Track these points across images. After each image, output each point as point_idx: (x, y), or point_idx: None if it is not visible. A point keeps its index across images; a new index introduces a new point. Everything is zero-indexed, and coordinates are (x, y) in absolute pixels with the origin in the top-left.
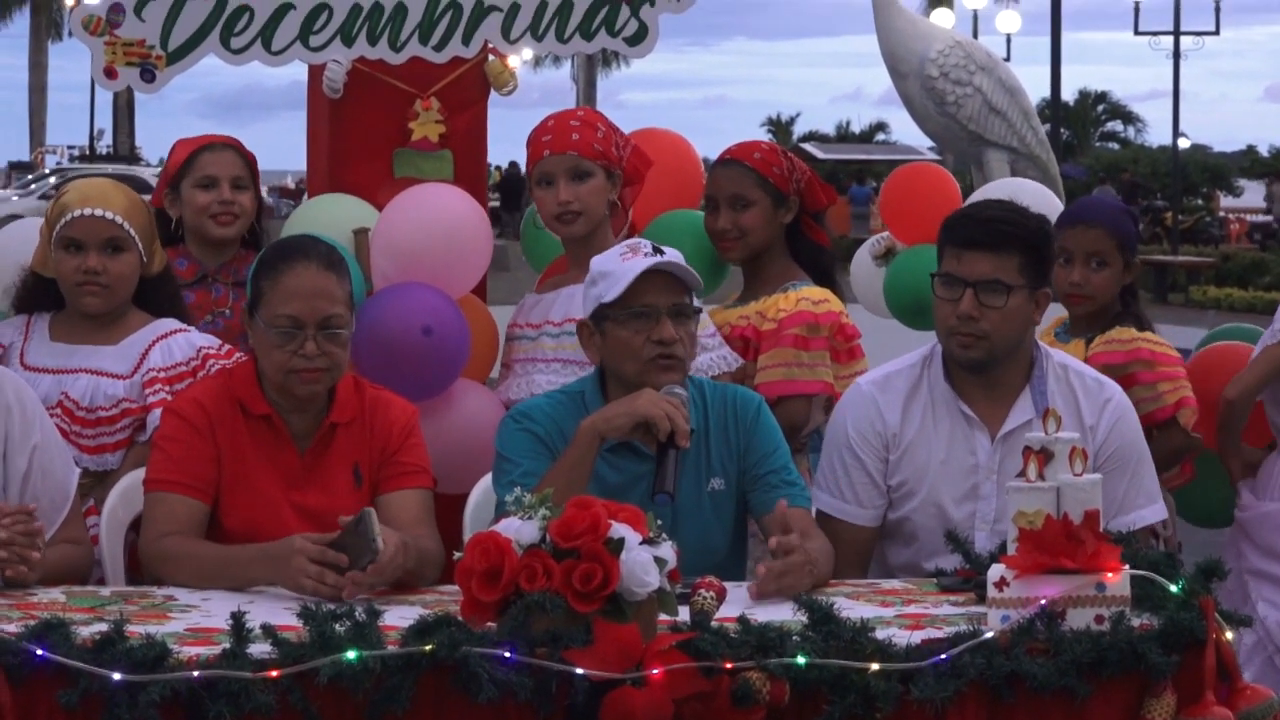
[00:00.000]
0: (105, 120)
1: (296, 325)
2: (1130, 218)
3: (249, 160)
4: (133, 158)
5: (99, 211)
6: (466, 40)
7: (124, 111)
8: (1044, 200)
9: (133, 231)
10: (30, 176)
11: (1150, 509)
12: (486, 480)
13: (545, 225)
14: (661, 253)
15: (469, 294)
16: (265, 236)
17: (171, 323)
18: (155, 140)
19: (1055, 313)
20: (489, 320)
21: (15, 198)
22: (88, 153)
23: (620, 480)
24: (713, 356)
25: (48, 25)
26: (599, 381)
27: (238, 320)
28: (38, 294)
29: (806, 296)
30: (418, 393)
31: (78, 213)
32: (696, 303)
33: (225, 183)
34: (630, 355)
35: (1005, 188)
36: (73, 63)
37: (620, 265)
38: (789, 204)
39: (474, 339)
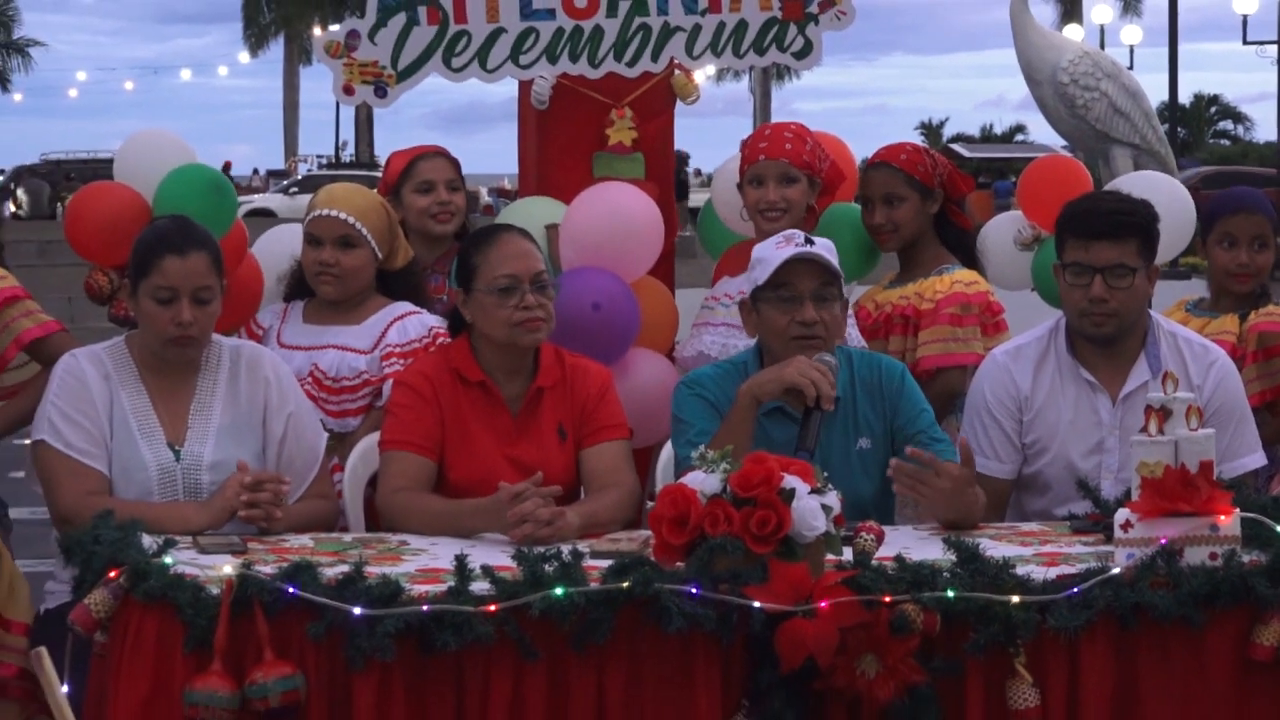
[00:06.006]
0: (349, 133)
1: (515, 282)
2: None
3: (456, 165)
4: (372, 164)
5: (333, 212)
6: (655, 57)
7: (364, 125)
8: (1172, 190)
9: (365, 230)
10: (285, 182)
11: (1252, 456)
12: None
13: (750, 218)
14: (811, 243)
15: (649, 277)
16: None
17: (407, 306)
18: (392, 150)
19: (1172, 294)
20: (667, 299)
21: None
22: (334, 160)
23: (781, 440)
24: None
25: (299, 52)
26: (758, 354)
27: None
28: (303, 282)
29: (959, 279)
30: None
31: (318, 213)
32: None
33: (441, 185)
34: (777, 333)
35: (1140, 181)
36: (320, 84)
37: (774, 253)
38: (935, 196)
39: (652, 315)
